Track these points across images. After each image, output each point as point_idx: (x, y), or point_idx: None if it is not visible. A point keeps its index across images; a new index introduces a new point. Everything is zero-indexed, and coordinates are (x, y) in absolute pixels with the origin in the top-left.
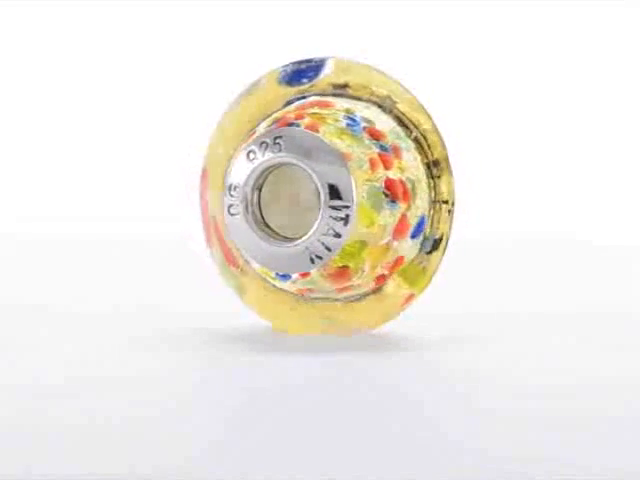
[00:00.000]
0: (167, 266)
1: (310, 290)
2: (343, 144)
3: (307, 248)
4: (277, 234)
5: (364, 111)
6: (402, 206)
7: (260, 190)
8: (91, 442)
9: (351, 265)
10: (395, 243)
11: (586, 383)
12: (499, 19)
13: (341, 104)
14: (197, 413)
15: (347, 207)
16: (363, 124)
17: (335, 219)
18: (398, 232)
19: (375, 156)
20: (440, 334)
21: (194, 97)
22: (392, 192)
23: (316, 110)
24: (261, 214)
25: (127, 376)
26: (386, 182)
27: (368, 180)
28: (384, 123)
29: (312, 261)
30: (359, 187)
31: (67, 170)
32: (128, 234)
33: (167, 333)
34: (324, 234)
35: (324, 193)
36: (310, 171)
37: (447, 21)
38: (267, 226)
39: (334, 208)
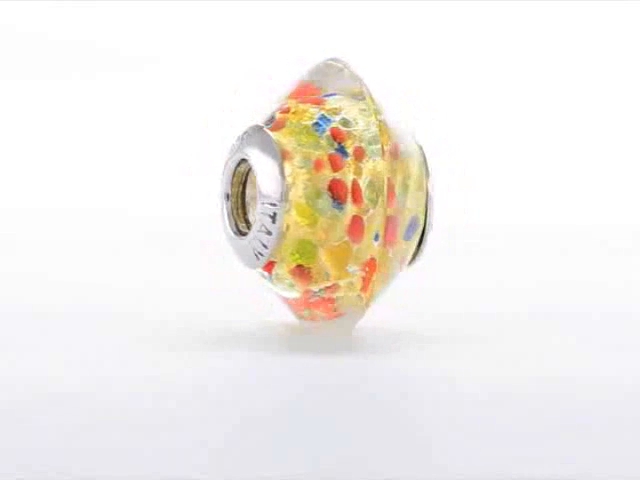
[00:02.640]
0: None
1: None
2: (291, 143)
3: (249, 243)
4: (241, 230)
5: (353, 112)
6: (352, 208)
7: (243, 186)
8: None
9: (306, 265)
10: (355, 245)
11: (585, 383)
12: (492, 19)
13: (335, 104)
14: (196, 414)
15: (274, 205)
16: (333, 125)
17: (265, 216)
18: (353, 233)
19: (324, 157)
20: (440, 334)
21: (194, 95)
22: (335, 193)
23: (299, 106)
24: (244, 210)
25: (125, 376)
26: (331, 183)
27: (309, 180)
28: (371, 127)
29: (257, 257)
30: (296, 186)
31: (81, 162)
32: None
33: (167, 333)
34: (259, 230)
35: (257, 191)
36: (252, 168)
37: (438, 21)
38: (247, 221)
39: (264, 205)
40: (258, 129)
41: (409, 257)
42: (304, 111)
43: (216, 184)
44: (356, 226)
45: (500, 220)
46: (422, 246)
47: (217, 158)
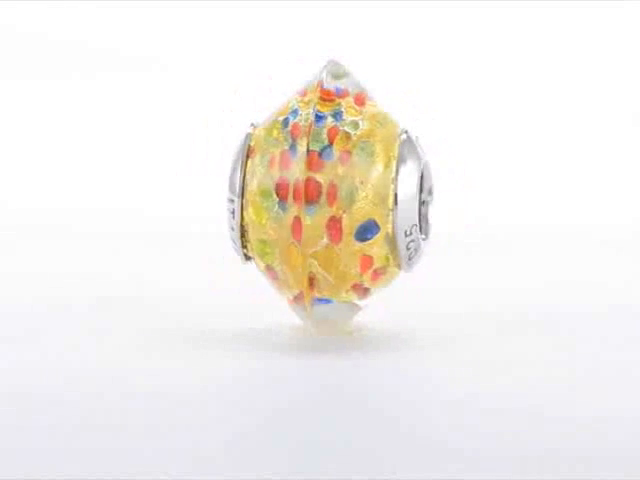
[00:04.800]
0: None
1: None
2: (260, 139)
3: (232, 239)
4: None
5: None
6: (293, 208)
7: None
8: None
9: (271, 264)
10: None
11: (585, 383)
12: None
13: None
14: (197, 413)
15: (232, 201)
16: (297, 120)
17: (229, 212)
18: (295, 234)
19: (277, 155)
20: (440, 334)
21: (195, 94)
22: (280, 192)
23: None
24: None
25: (124, 376)
26: (278, 181)
27: (262, 177)
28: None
29: (236, 251)
30: (252, 184)
31: (81, 162)
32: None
33: (167, 333)
34: (229, 227)
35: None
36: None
37: (438, 21)
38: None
39: (228, 201)
40: (250, 125)
41: (376, 258)
42: (288, 102)
43: (216, 184)
44: (296, 226)
45: (500, 220)
46: (398, 251)
47: (217, 158)
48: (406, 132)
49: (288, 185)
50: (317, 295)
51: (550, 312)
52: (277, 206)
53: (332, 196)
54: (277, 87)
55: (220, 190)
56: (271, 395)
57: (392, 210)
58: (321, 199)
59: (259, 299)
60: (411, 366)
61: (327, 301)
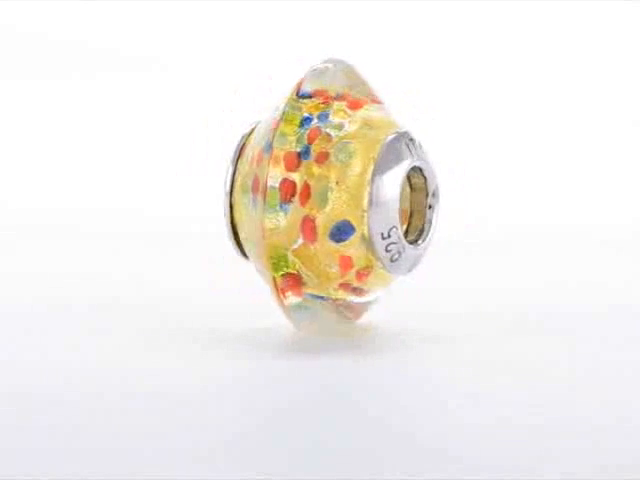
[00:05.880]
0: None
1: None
2: (252, 137)
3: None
4: None
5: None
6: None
7: None
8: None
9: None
10: (311, 246)
11: (586, 383)
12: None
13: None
14: (197, 413)
15: (227, 196)
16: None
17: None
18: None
19: (257, 152)
20: (440, 333)
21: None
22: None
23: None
24: None
25: (124, 376)
26: (253, 179)
27: (245, 176)
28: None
29: (242, 255)
30: (238, 181)
31: (79, 162)
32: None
33: (166, 333)
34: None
35: None
36: None
37: (438, 21)
38: None
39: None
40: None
41: (355, 259)
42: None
43: (216, 184)
44: (258, 225)
45: (500, 220)
46: (376, 253)
47: (217, 158)
48: (397, 134)
49: (259, 183)
50: (309, 291)
51: (550, 312)
52: (251, 203)
53: (305, 196)
54: (277, 87)
55: (220, 190)
56: (271, 395)
57: (366, 212)
58: (294, 199)
59: (259, 299)
60: (411, 366)
61: (322, 298)
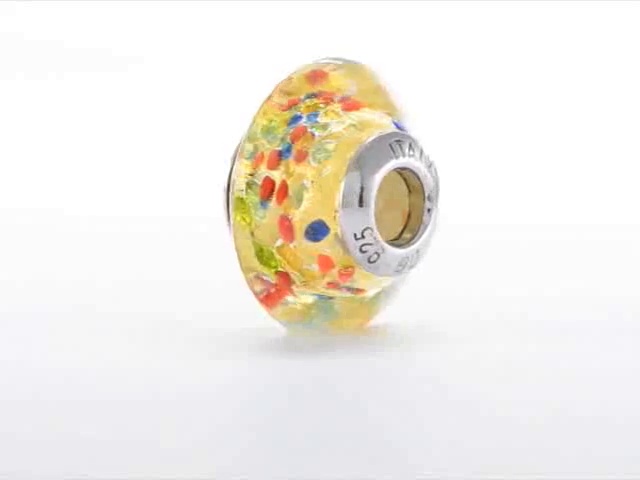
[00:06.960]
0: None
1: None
2: (258, 132)
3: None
4: None
5: (338, 123)
6: (277, 207)
7: None
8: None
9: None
10: (291, 245)
11: (586, 383)
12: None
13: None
14: (197, 413)
15: (225, 193)
16: (304, 123)
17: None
18: (282, 233)
19: (266, 152)
20: (440, 333)
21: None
22: (261, 191)
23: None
24: None
25: (125, 375)
26: (264, 180)
27: (250, 174)
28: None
29: None
30: (240, 179)
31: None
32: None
33: (166, 333)
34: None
35: None
36: None
37: (438, 21)
38: None
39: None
40: None
41: (335, 259)
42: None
43: (216, 184)
44: (283, 225)
45: (500, 220)
46: (351, 254)
47: (216, 158)
48: (380, 135)
49: (267, 185)
50: (301, 289)
51: (550, 312)
52: (262, 204)
53: (282, 194)
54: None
55: (219, 190)
56: (271, 395)
57: (337, 212)
58: (272, 197)
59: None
60: (411, 366)
61: (320, 296)
